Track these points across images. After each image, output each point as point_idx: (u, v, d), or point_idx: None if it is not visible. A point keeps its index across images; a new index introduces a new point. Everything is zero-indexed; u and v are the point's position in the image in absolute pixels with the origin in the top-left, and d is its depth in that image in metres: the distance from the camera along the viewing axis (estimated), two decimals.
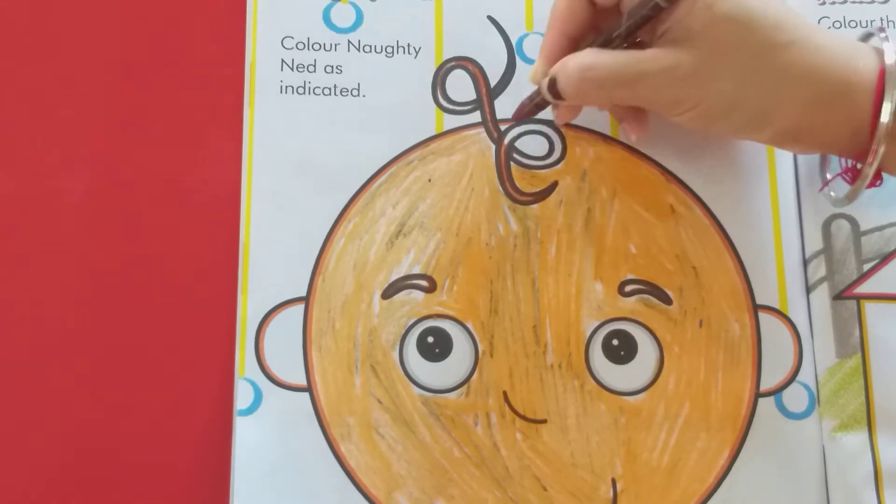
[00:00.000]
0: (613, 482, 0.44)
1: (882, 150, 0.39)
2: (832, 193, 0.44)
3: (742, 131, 0.42)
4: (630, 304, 0.45)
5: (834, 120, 0.40)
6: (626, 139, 0.47)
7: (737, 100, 0.40)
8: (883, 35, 0.41)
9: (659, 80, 0.39)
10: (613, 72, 0.40)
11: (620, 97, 0.43)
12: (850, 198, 0.42)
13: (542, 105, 0.44)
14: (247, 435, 0.44)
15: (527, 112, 0.46)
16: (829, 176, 0.45)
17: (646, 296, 0.45)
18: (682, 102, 0.40)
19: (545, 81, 0.43)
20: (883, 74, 0.39)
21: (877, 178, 0.41)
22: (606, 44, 0.41)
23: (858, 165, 0.41)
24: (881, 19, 0.48)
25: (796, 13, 0.40)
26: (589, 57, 0.41)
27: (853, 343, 0.45)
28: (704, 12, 0.38)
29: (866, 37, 0.43)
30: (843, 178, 0.42)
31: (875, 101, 0.39)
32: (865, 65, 0.39)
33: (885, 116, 0.39)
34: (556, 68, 0.42)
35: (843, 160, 0.43)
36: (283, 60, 0.48)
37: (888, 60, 0.39)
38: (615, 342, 0.45)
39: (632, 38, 0.41)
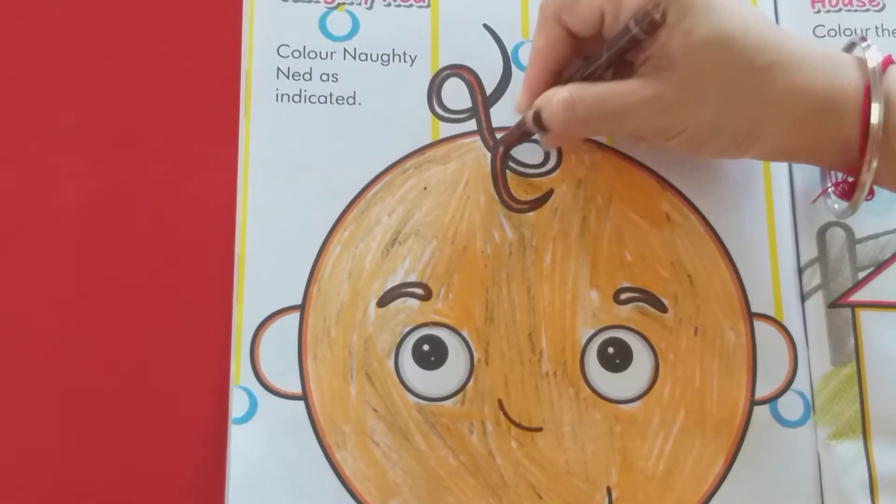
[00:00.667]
0: (609, 490, 0.44)
1: (875, 163, 0.39)
2: (836, 206, 0.44)
3: (728, 153, 0.42)
4: (625, 312, 0.45)
5: (821, 137, 0.40)
6: (631, 146, 0.47)
7: (720, 124, 0.40)
8: (864, 45, 0.41)
9: (642, 111, 0.39)
10: (595, 108, 0.40)
11: (606, 130, 0.43)
12: (852, 209, 0.42)
13: (528, 133, 0.45)
14: (242, 443, 0.44)
15: (515, 139, 0.46)
16: (828, 185, 0.45)
17: (641, 304, 0.45)
18: (668, 130, 0.40)
19: (530, 114, 0.43)
20: (868, 90, 0.39)
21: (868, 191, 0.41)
22: (589, 75, 0.41)
23: (849, 179, 0.41)
24: (876, 27, 0.48)
25: (778, 29, 0.40)
26: (570, 94, 0.41)
27: (848, 351, 0.45)
28: (683, 39, 0.38)
29: (850, 46, 0.43)
30: (834, 192, 0.42)
31: (862, 115, 0.39)
32: (849, 79, 0.39)
33: (874, 118, 0.38)
34: (540, 103, 0.42)
35: (833, 174, 0.44)
36: (278, 69, 0.48)
37: (871, 64, 0.39)
38: (610, 350, 0.45)
39: (615, 66, 0.41)
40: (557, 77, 0.43)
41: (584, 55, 0.43)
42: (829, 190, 0.44)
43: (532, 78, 0.44)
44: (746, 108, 0.39)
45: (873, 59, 0.39)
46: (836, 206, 0.45)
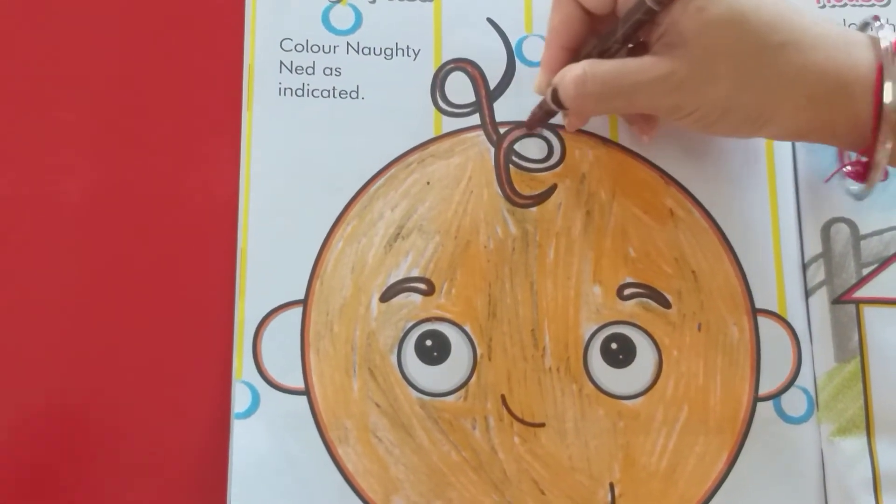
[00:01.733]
0: (612, 486, 0.44)
1: (889, 143, 0.39)
2: (852, 187, 0.44)
3: (741, 131, 0.42)
4: (629, 308, 0.45)
5: (834, 117, 0.40)
6: (635, 141, 0.47)
7: (733, 103, 0.40)
8: (878, 24, 0.41)
9: (654, 88, 0.39)
10: (608, 83, 0.40)
11: (619, 107, 0.43)
12: (868, 189, 0.42)
13: (551, 112, 0.45)
14: (244, 438, 0.44)
15: (538, 120, 0.46)
16: (843, 164, 0.45)
17: (644, 299, 0.45)
18: (680, 108, 0.40)
19: (549, 92, 0.43)
20: (881, 69, 0.39)
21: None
22: (605, 51, 0.42)
23: (863, 159, 0.41)
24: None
25: (792, 8, 0.40)
26: (583, 70, 0.41)
27: (852, 347, 0.45)
28: (696, 15, 0.38)
29: (864, 26, 0.43)
30: (849, 174, 0.42)
31: (875, 94, 0.39)
32: (862, 59, 0.39)
33: (887, 97, 0.38)
34: (556, 79, 0.42)
35: (846, 154, 0.43)
36: (281, 62, 0.48)
37: (885, 44, 0.39)
38: (614, 346, 0.45)
39: (631, 42, 0.41)
40: (574, 55, 0.43)
41: (600, 33, 0.43)
42: (843, 171, 0.44)
43: (549, 56, 0.44)
44: (759, 87, 0.39)
45: (886, 38, 0.39)
46: (852, 187, 0.44)
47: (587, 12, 0.42)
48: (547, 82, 0.43)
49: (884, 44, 0.39)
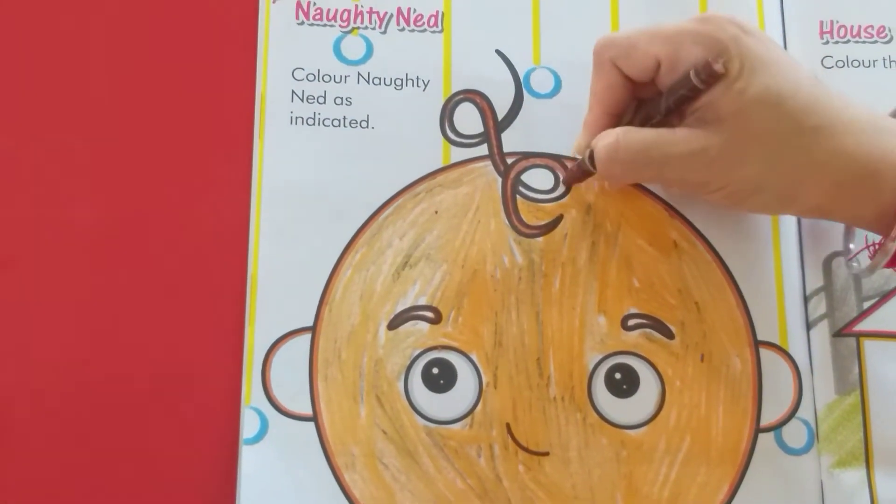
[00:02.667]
0: None
1: None
2: (854, 265, 0.45)
3: (768, 210, 0.43)
4: (633, 338, 0.46)
5: (859, 200, 0.40)
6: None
7: (762, 182, 0.40)
8: None
9: (685, 163, 0.40)
10: (639, 154, 0.41)
11: (648, 177, 0.44)
12: (871, 271, 0.42)
13: (588, 172, 0.45)
14: (252, 463, 0.44)
15: (575, 178, 0.47)
16: (852, 247, 0.46)
17: (648, 330, 0.46)
18: (709, 184, 0.41)
19: (587, 154, 0.44)
20: None
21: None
22: (644, 122, 0.42)
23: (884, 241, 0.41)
24: (884, 59, 0.49)
25: (827, 92, 0.40)
26: (616, 138, 0.41)
27: (852, 380, 0.45)
28: (737, 96, 0.39)
29: (895, 113, 0.43)
30: (867, 252, 0.43)
31: None
32: (892, 146, 0.39)
33: None
34: (594, 143, 0.43)
35: (868, 236, 0.44)
36: (293, 91, 0.48)
37: None
38: (618, 376, 0.45)
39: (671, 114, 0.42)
40: (616, 119, 0.44)
41: (641, 97, 0.44)
42: (864, 250, 0.44)
43: (591, 119, 0.44)
44: (790, 169, 0.40)
45: None
46: (854, 264, 0.45)
47: (628, 79, 0.43)
48: (587, 143, 0.44)
49: None
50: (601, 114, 0.44)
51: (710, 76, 0.38)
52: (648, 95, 0.43)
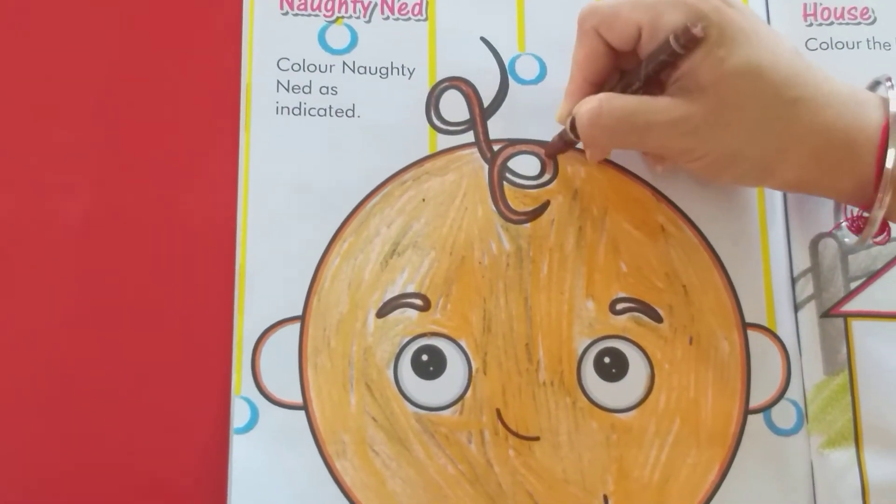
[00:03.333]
0: (605, 498, 0.44)
1: (888, 199, 0.39)
2: (846, 239, 0.45)
3: (746, 181, 0.43)
4: (621, 322, 0.46)
5: (839, 173, 0.40)
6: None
7: (742, 152, 0.40)
8: (889, 84, 0.41)
9: (668, 130, 0.40)
10: (622, 119, 0.41)
11: (631, 143, 0.43)
12: (861, 243, 0.42)
13: (570, 143, 0.45)
14: (243, 453, 0.44)
15: (557, 149, 0.47)
16: (844, 224, 0.46)
17: (636, 314, 0.46)
18: (691, 152, 0.41)
19: (568, 121, 0.44)
20: (887, 128, 0.39)
21: (881, 229, 0.41)
22: (626, 87, 0.42)
23: (865, 214, 0.41)
24: (867, 40, 0.49)
25: (807, 65, 0.40)
26: (599, 102, 0.41)
27: (840, 360, 0.45)
28: (717, 65, 0.39)
29: (874, 85, 0.44)
30: (849, 228, 0.43)
31: (879, 154, 0.39)
32: (870, 118, 0.40)
33: (889, 163, 0.39)
34: (575, 110, 0.43)
35: (849, 209, 0.44)
36: (278, 82, 0.48)
37: (893, 108, 0.40)
38: (607, 360, 0.45)
39: (646, 82, 0.42)
40: (597, 88, 0.44)
41: (623, 67, 0.44)
42: (844, 224, 0.44)
43: (573, 88, 0.44)
44: (770, 140, 0.40)
45: (895, 101, 0.40)
46: (846, 239, 0.45)
47: (611, 48, 0.43)
48: (568, 112, 0.44)
49: (892, 108, 0.40)
50: (583, 82, 0.44)
51: (689, 41, 0.38)
52: (630, 66, 0.43)
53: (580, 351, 0.45)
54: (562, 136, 0.45)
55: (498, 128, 0.48)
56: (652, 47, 0.41)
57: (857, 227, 0.42)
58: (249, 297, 0.46)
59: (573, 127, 0.43)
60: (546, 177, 0.47)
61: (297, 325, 0.45)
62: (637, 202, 0.47)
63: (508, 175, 0.47)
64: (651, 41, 0.41)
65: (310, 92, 0.48)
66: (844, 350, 0.45)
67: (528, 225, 0.47)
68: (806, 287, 0.46)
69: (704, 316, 0.46)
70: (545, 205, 0.47)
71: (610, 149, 0.46)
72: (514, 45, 0.49)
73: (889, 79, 0.42)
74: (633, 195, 0.47)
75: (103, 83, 0.48)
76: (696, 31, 0.38)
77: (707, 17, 0.39)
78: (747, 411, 0.45)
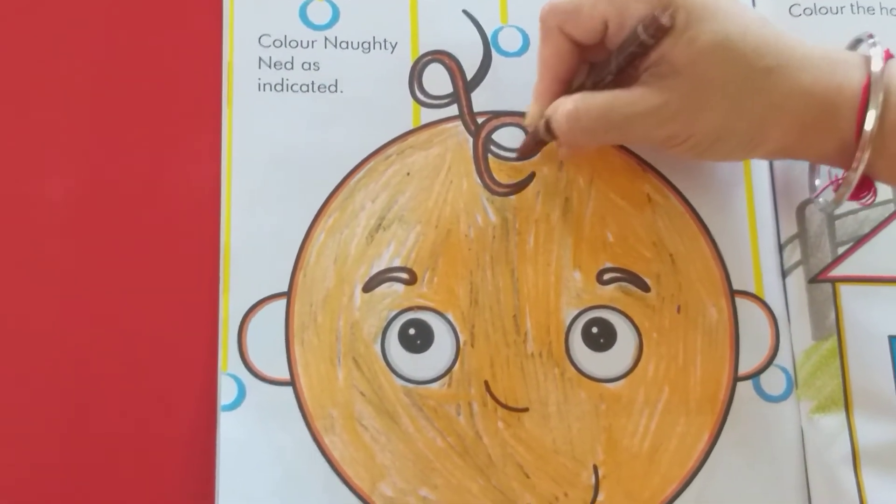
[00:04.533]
0: (595, 468, 0.43)
1: (866, 156, 0.38)
2: (821, 200, 0.44)
3: (733, 156, 0.42)
4: (609, 292, 0.45)
5: (822, 136, 0.39)
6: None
7: (725, 129, 0.39)
8: (871, 41, 0.40)
9: (648, 120, 0.39)
10: (600, 118, 0.39)
11: (612, 139, 0.42)
12: (836, 203, 0.41)
13: (542, 142, 0.44)
14: (231, 430, 0.43)
15: (530, 149, 0.45)
16: (818, 183, 0.45)
17: (624, 283, 0.45)
18: (674, 138, 0.40)
19: (541, 123, 0.42)
20: (868, 87, 0.38)
21: (864, 189, 0.40)
22: (598, 83, 0.41)
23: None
24: (850, 5, 0.48)
25: (777, 32, 0.39)
26: (575, 105, 0.40)
27: (829, 325, 0.44)
28: (688, 46, 0.37)
29: (856, 43, 0.42)
30: (835, 191, 0.41)
31: (859, 115, 0.38)
32: (850, 79, 0.38)
33: (868, 125, 0.38)
34: (549, 112, 0.42)
35: (832, 171, 0.43)
36: (260, 59, 0.47)
37: (874, 68, 0.38)
38: (594, 330, 0.44)
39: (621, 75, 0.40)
40: (566, 85, 0.43)
41: (590, 61, 0.42)
42: (829, 187, 0.43)
43: (542, 88, 0.43)
44: (750, 112, 0.39)
45: (877, 60, 0.38)
46: (821, 199, 0.44)
47: (577, 44, 0.41)
48: (539, 113, 0.43)
49: (874, 67, 0.38)
50: (551, 81, 0.42)
51: (657, 30, 0.37)
52: (598, 58, 0.41)
53: (568, 321, 0.44)
54: (534, 136, 0.44)
55: (482, 100, 0.47)
56: (620, 39, 0.39)
57: (837, 186, 0.41)
58: (235, 275, 0.45)
59: (548, 128, 0.42)
60: None
61: (283, 302, 0.45)
62: (623, 172, 0.46)
63: (493, 147, 0.46)
64: (618, 33, 0.39)
65: (292, 68, 0.47)
66: (833, 315, 0.44)
67: (513, 197, 0.46)
68: (793, 253, 0.45)
69: (692, 284, 0.45)
70: (530, 176, 0.46)
71: (588, 147, 0.45)
72: (496, 18, 0.48)
73: (871, 35, 0.41)
74: (618, 165, 0.46)
75: (85, 62, 0.47)
76: (664, 19, 0.37)
77: (672, 2, 0.37)
78: (736, 378, 0.44)
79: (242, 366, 0.44)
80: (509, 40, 0.47)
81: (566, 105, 0.40)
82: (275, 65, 0.47)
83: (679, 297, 0.45)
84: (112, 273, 0.45)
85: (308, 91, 0.47)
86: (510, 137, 0.46)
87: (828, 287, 0.45)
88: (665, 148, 0.41)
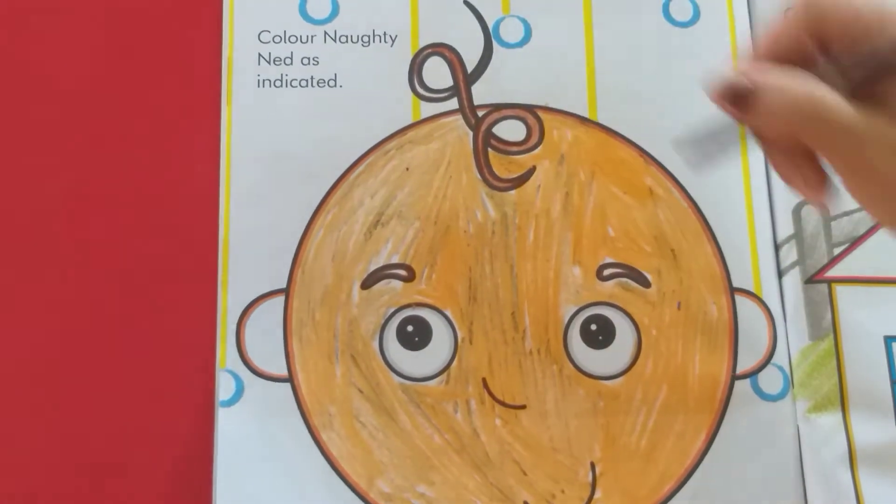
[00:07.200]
0: (592, 466, 0.40)
1: None
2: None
3: None
4: (608, 288, 0.42)
5: None
6: (614, 119, 0.42)
7: None
8: None
9: (878, 148, 0.29)
10: (847, 124, 0.28)
11: (823, 144, 0.30)
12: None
13: (729, 143, 0.32)
14: (229, 426, 0.41)
15: (714, 153, 0.33)
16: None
17: (624, 279, 0.42)
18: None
19: (735, 81, 0.30)
20: None
21: None
22: (835, 84, 0.30)
23: None
24: None
25: None
26: (822, 94, 0.29)
27: (825, 326, 0.42)
28: None
29: None
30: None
31: None
32: None
33: None
34: (764, 80, 0.30)
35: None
36: (259, 55, 0.44)
37: None
38: (593, 327, 0.42)
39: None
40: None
41: (816, 57, 0.31)
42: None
43: (757, 55, 0.31)
44: None
45: None
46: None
47: (817, 33, 0.30)
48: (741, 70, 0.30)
49: None
50: (768, 54, 0.31)
51: None
52: (831, 56, 0.30)
53: (566, 318, 0.41)
54: (715, 134, 0.32)
55: (482, 93, 0.43)
56: (876, 50, 0.29)
57: None
58: (233, 271, 0.42)
59: (744, 94, 0.30)
60: (532, 142, 0.43)
61: (281, 298, 0.42)
62: (625, 164, 0.43)
63: (493, 141, 0.43)
64: (876, 41, 0.29)
65: (291, 63, 0.44)
66: (829, 315, 0.42)
67: (513, 192, 0.43)
68: (790, 253, 0.43)
69: (693, 280, 0.42)
70: (531, 171, 0.43)
71: (775, 135, 0.32)
72: (498, 8, 0.44)
73: None
74: (620, 157, 0.43)
75: (85, 60, 0.45)
76: None
77: None
78: (734, 377, 0.41)
79: (241, 362, 0.41)
80: (511, 31, 0.44)
81: (804, 84, 0.29)
82: (274, 60, 0.44)
83: (680, 293, 0.42)
84: (110, 269, 0.43)
85: (307, 86, 0.44)
86: (511, 130, 0.43)
87: (824, 288, 0.42)
88: (872, 200, 0.30)
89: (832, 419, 0.41)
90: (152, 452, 0.41)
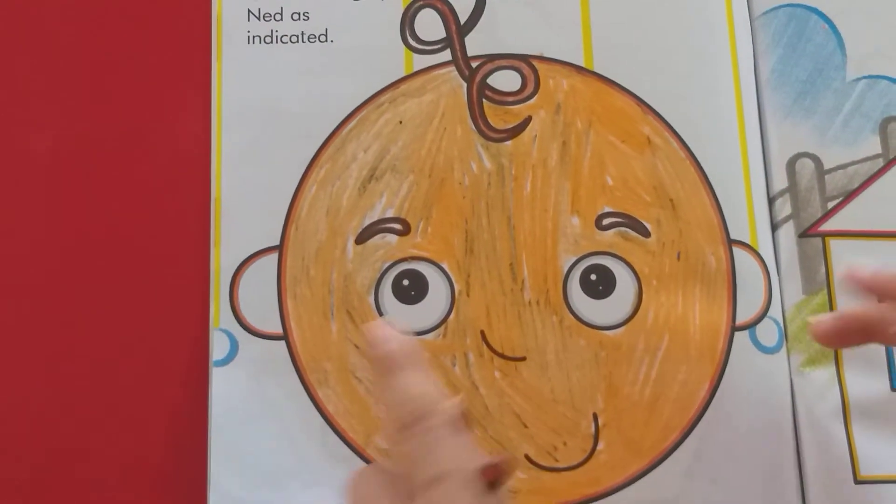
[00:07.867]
0: (595, 417, 0.39)
1: None
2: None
3: None
4: (608, 238, 0.41)
5: None
6: (611, 68, 0.42)
7: None
8: None
9: None
10: None
11: None
12: None
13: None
14: (224, 385, 0.39)
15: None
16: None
17: (623, 228, 0.41)
18: None
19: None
20: None
21: None
22: None
23: None
24: None
25: None
26: None
27: (819, 280, 0.41)
28: None
29: None
30: None
31: None
32: None
33: None
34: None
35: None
36: (249, 10, 0.43)
37: None
38: (593, 277, 0.40)
39: None
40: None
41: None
42: None
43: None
44: None
45: None
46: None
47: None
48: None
49: None
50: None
51: None
52: None
53: (566, 268, 0.40)
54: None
55: (476, 44, 0.42)
56: None
57: None
58: (226, 229, 0.40)
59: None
60: (527, 92, 0.42)
61: (275, 255, 0.40)
62: (622, 114, 0.42)
63: (488, 92, 0.42)
64: None
65: (281, 19, 0.42)
66: (823, 270, 0.41)
67: (509, 142, 0.41)
68: (784, 207, 0.42)
69: (692, 230, 0.41)
70: (527, 121, 0.42)
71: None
72: None
73: None
74: (618, 106, 0.42)
75: (73, 15, 0.43)
76: None
77: None
78: (734, 328, 0.40)
79: (234, 321, 0.40)
80: None
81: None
82: (264, 16, 0.43)
83: (679, 244, 0.41)
84: (101, 228, 0.41)
85: (298, 42, 0.42)
86: (506, 80, 0.42)
87: (818, 241, 0.41)
88: None
89: (826, 373, 0.40)
90: (147, 413, 0.39)
